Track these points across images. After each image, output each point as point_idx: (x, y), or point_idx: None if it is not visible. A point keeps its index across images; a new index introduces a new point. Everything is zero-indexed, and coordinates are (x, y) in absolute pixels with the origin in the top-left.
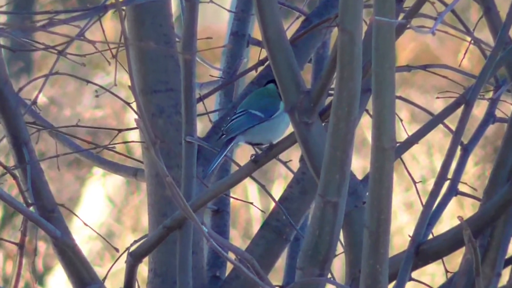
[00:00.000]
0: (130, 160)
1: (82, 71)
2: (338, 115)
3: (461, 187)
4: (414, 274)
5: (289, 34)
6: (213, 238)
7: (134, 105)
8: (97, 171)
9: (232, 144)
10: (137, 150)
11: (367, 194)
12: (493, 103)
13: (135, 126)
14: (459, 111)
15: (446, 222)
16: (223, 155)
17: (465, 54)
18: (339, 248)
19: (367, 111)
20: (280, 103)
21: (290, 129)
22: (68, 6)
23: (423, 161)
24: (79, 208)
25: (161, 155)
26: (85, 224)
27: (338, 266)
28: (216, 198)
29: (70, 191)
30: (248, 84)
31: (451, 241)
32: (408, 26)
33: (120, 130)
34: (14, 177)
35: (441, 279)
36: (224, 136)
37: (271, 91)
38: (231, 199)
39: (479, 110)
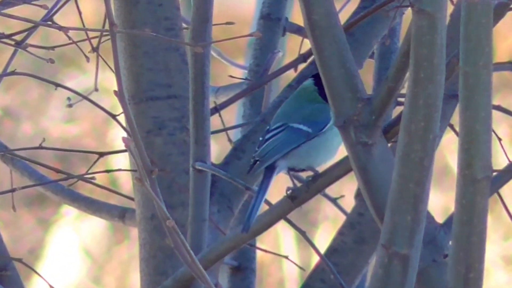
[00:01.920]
0: (116, 197)
1: (50, 70)
2: (411, 133)
3: None
4: None
5: (343, 17)
6: None
7: (121, 118)
8: (69, 211)
9: (274, 174)
10: (126, 182)
11: (450, 243)
12: None
13: (123, 148)
14: None
15: None
16: (266, 192)
17: None
18: None
19: (451, 126)
20: (330, 110)
21: (341, 151)
22: None
23: None
24: (43, 263)
25: (160, 189)
26: (51, 286)
27: None
28: (236, 250)
29: (31, 239)
30: (284, 89)
31: None
32: None
33: (101, 154)
34: None
35: None
36: (258, 163)
37: (312, 93)
38: (258, 252)
39: None
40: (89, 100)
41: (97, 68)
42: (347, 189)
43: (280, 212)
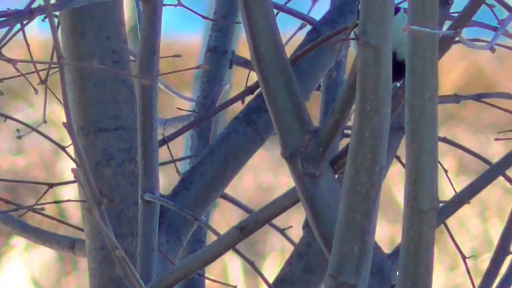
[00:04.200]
0: (65, 227)
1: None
2: (358, 164)
3: None
4: None
5: (290, 50)
6: None
7: (70, 150)
8: (18, 242)
9: None
10: (75, 213)
11: (397, 274)
12: None
13: (72, 179)
14: None
15: None
16: None
17: None
18: None
19: (398, 158)
20: None
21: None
22: None
23: (475, 229)
24: None
25: (109, 220)
26: None
27: None
28: (185, 280)
29: None
30: (232, 121)
31: None
32: (457, 39)
33: (51, 185)
34: None
35: None
36: None
37: None
38: (207, 281)
39: None
40: (38, 132)
41: (45, 100)
42: (294, 219)
43: (228, 243)
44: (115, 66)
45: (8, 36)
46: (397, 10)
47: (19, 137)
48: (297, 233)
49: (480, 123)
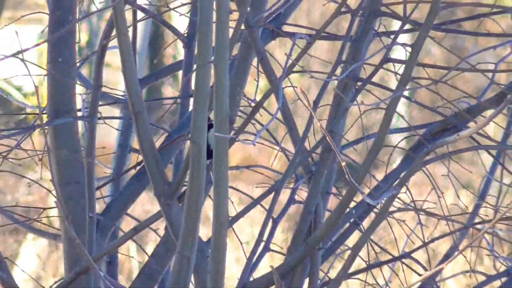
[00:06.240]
0: (52, 229)
1: (19, 169)
2: (191, 200)
3: (273, 247)
4: None
5: (158, 143)
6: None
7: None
8: (30, 235)
9: None
10: (57, 223)
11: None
12: (294, 190)
13: (55, 205)
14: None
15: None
16: None
17: (275, 158)
18: None
19: (210, 197)
20: None
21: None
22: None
23: (247, 230)
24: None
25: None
26: None
27: None
28: (109, 254)
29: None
30: (130, 179)
31: (266, 280)
32: (237, 139)
33: (44, 209)
34: None
35: None
36: None
37: None
38: (119, 254)
39: (285, 195)
40: (39, 184)
41: (41, 169)
42: (161, 225)
43: (129, 236)
44: (75, 154)
45: (23, 138)
46: (211, 126)
47: (29, 186)
48: (161, 231)
49: (250, 180)
